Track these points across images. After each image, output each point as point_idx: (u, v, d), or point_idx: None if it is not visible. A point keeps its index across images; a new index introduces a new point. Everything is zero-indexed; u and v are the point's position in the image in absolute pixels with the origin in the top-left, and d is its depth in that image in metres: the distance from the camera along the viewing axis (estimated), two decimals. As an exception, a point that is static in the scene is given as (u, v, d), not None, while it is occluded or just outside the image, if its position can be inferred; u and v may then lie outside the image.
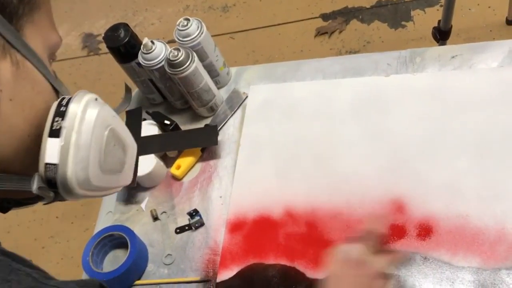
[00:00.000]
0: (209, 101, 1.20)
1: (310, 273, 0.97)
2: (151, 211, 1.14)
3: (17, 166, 0.54)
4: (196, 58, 1.13)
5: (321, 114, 1.16)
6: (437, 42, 1.71)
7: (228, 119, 1.23)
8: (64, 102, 0.54)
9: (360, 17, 2.58)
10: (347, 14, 2.62)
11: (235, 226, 1.07)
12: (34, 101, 0.54)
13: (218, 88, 1.27)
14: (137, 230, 1.11)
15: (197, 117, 1.27)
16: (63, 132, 0.52)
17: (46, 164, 0.52)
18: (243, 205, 1.09)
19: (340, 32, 2.56)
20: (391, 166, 1.04)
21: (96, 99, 0.56)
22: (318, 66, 1.24)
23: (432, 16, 2.01)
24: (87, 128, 0.53)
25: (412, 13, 2.48)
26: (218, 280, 1.01)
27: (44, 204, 0.65)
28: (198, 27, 1.16)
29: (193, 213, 1.10)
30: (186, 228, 1.10)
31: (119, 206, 1.19)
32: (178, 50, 1.11)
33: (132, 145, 0.65)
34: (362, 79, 1.17)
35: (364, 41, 2.47)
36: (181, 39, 1.16)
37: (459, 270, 0.89)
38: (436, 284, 0.89)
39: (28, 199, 0.61)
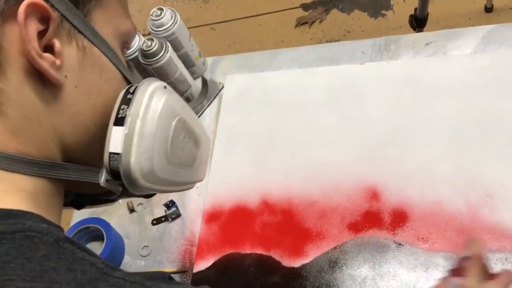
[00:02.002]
0: (185, 91, 1.19)
1: (286, 262, 0.97)
2: (127, 203, 1.14)
3: (85, 157, 0.52)
4: (170, 48, 1.12)
5: (297, 103, 1.16)
6: (414, 30, 1.71)
7: (205, 110, 1.23)
8: (131, 90, 0.51)
9: (340, 6, 2.58)
10: (327, 4, 2.62)
11: (212, 217, 1.06)
12: (102, 89, 0.51)
13: (194, 78, 1.26)
14: (114, 222, 1.11)
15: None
16: (128, 120, 0.49)
17: (110, 153, 0.49)
18: (219, 195, 1.09)
19: (321, 22, 2.55)
20: (366, 153, 1.04)
21: (165, 87, 0.53)
22: (294, 55, 1.24)
23: (412, 4, 2.00)
24: (153, 116, 0.50)
25: (392, 2, 2.49)
26: (195, 270, 1.01)
27: (114, 201, 0.64)
28: (172, 17, 1.15)
29: (170, 204, 1.09)
30: (163, 219, 1.10)
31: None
32: (152, 40, 1.10)
33: (205, 138, 0.62)
34: (337, 67, 1.17)
35: (344, 30, 2.47)
36: (154, 29, 1.15)
37: (433, 255, 0.89)
38: (411, 270, 0.89)
39: (101, 196, 0.59)
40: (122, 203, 1.15)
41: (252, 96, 1.20)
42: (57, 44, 0.46)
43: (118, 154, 0.49)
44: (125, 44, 0.57)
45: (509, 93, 1.00)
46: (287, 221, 1.01)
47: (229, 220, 1.05)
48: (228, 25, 2.79)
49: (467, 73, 1.05)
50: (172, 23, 1.14)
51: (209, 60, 1.31)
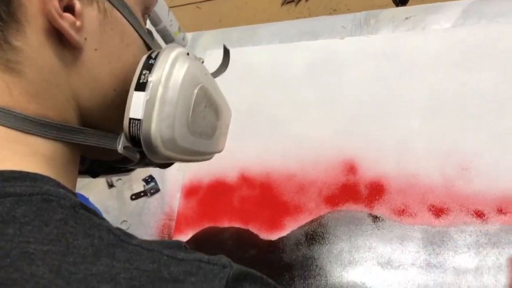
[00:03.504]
0: (164, 66, 1.19)
1: (264, 235, 0.97)
2: (106, 178, 1.13)
3: (103, 122, 0.51)
4: (147, 22, 1.10)
5: (277, 78, 1.15)
6: (397, 6, 1.70)
7: (184, 85, 1.22)
8: (153, 55, 0.50)
9: (327, -16, 2.56)
10: (313, -18, 2.60)
11: (190, 191, 1.06)
12: (122, 53, 0.50)
13: (174, 54, 1.25)
14: (93, 197, 1.10)
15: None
16: (149, 86, 0.48)
17: (130, 119, 0.48)
18: (198, 170, 1.09)
19: (307, 0, 2.54)
20: (344, 127, 1.04)
21: (187, 54, 0.51)
22: (274, 30, 1.23)
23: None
24: (175, 83, 0.49)
25: (378, -20, 2.47)
26: (173, 244, 1.01)
27: (131, 170, 0.62)
28: (150, -9, 1.13)
29: (149, 180, 1.09)
30: (142, 194, 1.10)
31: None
32: (129, 14, 1.09)
33: (226, 110, 0.61)
34: (317, 42, 1.17)
35: (330, 9, 2.45)
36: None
37: (409, 228, 0.90)
38: (387, 242, 0.90)
39: (117, 164, 0.58)
40: (101, 178, 1.14)
41: (232, 71, 1.18)
42: (77, 4, 0.45)
43: (138, 120, 0.48)
44: (147, 10, 0.56)
45: (486, 67, 1.00)
46: (265, 195, 1.02)
47: (208, 194, 1.05)
48: (214, 3, 2.76)
49: (446, 47, 1.05)
50: (151, -4, 1.13)
51: (190, 35, 1.30)
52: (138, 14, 0.53)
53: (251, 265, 0.97)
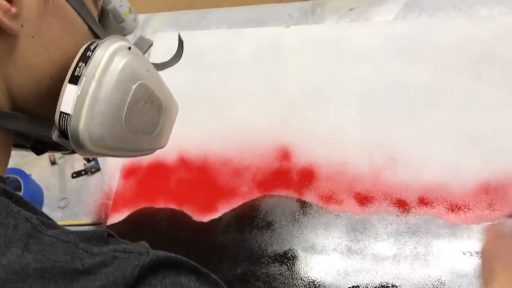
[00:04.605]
0: (112, 47, 1.19)
1: (197, 217, 0.99)
2: (49, 156, 1.14)
3: (39, 109, 0.49)
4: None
5: (222, 63, 1.17)
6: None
7: (132, 66, 1.23)
8: (92, 47, 0.47)
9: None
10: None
11: (130, 172, 1.08)
12: (63, 41, 0.47)
13: (125, 35, 1.25)
14: (35, 174, 1.11)
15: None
16: (82, 80, 0.45)
17: (61, 112, 0.46)
18: (139, 151, 1.10)
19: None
20: (283, 114, 1.06)
21: (129, 48, 0.48)
22: (224, 15, 1.24)
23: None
24: (110, 79, 0.46)
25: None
26: (109, 223, 1.02)
27: (66, 153, 0.60)
28: (99, -29, 1.14)
29: (89, 158, 1.10)
30: (82, 172, 1.11)
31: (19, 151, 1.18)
32: (75, -7, 1.09)
33: (171, 105, 0.57)
34: (263, 29, 1.18)
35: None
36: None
37: (334, 214, 0.92)
38: (312, 228, 0.92)
39: (59, 147, 0.55)
40: (44, 155, 1.15)
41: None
42: None
43: (68, 114, 0.46)
44: None
45: (422, 60, 1.02)
46: (202, 178, 1.03)
47: (146, 176, 1.07)
48: (187, -14, 2.75)
49: (386, 39, 1.07)
50: (99, -24, 1.13)
51: (142, 17, 1.31)
52: (87, 0, 0.50)
53: (183, 246, 0.99)
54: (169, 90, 0.57)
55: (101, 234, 0.44)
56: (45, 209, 1.09)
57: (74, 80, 0.46)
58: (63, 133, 0.47)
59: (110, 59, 0.46)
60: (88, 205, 1.07)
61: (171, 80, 1.15)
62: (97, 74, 0.46)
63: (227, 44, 1.18)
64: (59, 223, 1.05)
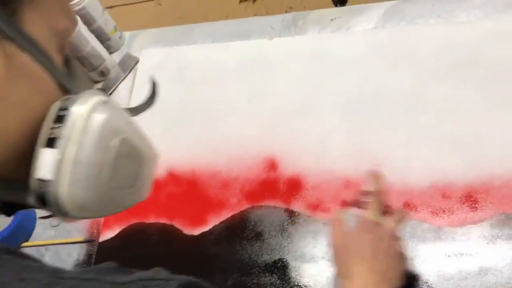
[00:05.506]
0: (99, 65, 1.21)
1: (187, 230, 1.00)
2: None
3: (14, 173, 0.45)
4: (79, 22, 1.13)
5: (209, 77, 1.18)
6: (335, 6, 1.74)
7: (119, 83, 1.24)
8: (66, 105, 0.43)
9: (284, -18, 2.60)
10: (271, -21, 2.64)
11: (120, 188, 1.09)
12: (32, 101, 0.44)
13: (111, 53, 1.27)
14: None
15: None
16: (61, 143, 0.42)
17: (38, 179, 0.42)
18: (128, 167, 1.11)
19: (264, -3, 2.58)
20: (269, 125, 1.07)
21: (105, 102, 0.45)
22: (209, 30, 1.26)
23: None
24: (91, 140, 0.43)
25: (334, -22, 2.50)
26: (101, 240, 1.04)
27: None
28: (83, -9, 1.16)
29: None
30: (73, 191, 1.12)
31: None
32: (60, 14, 1.11)
33: (151, 154, 0.53)
34: (247, 42, 1.20)
35: (287, 6, 2.49)
36: (65, 3, 1.15)
37: (321, 223, 0.93)
38: (301, 237, 0.93)
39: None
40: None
41: (166, 70, 1.23)
42: None
43: (47, 181, 0.42)
44: (63, 43, 0.48)
45: (403, 67, 1.04)
46: (191, 191, 1.05)
47: (136, 191, 1.08)
48: (174, 0, 2.78)
49: (367, 48, 1.09)
50: (83, -3, 1.16)
51: (127, 34, 1.33)
52: (53, 52, 0.46)
53: (175, 260, 1.00)
54: (148, 139, 0.53)
55: (113, 265, 0.43)
56: (38, 228, 1.10)
57: (50, 143, 0.42)
58: (42, 201, 0.43)
59: (88, 117, 0.43)
60: (80, 223, 1.08)
61: (160, 96, 1.17)
62: (76, 135, 0.42)
63: (213, 58, 1.20)
64: (52, 242, 1.06)
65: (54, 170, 0.42)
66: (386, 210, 0.77)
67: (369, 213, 0.75)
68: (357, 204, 0.77)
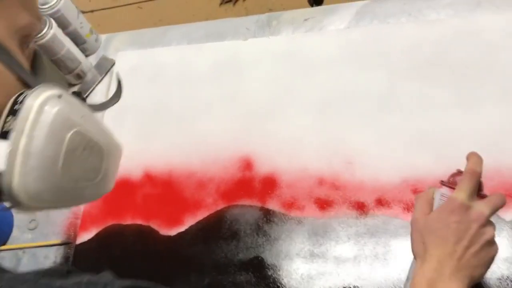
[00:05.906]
0: (75, 68, 1.21)
1: (164, 231, 1.01)
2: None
3: None
4: (54, 25, 1.13)
5: (184, 78, 1.19)
6: (311, 6, 1.76)
7: (96, 86, 1.24)
8: (20, 99, 0.45)
9: (263, -16, 2.61)
10: (250, -18, 2.65)
11: (97, 190, 1.09)
12: None
13: (87, 55, 1.27)
14: (3, 198, 1.12)
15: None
16: (12, 136, 0.43)
17: None
18: (105, 169, 1.11)
19: (244, 0, 2.58)
20: (244, 125, 1.08)
21: (59, 96, 0.47)
22: (184, 31, 1.27)
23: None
24: (41, 132, 0.45)
25: (314, -21, 2.52)
26: (78, 242, 1.04)
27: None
28: (57, -5, 1.16)
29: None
30: (50, 194, 1.12)
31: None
32: (34, 17, 1.11)
33: (113, 148, 0.56)
34: (221, 43, 1.21)
35: (267, 8, 2.50)
36: (39, 7, 1.15)
37: (296, 221, 0.94)
38: (276, 235, 0.94)
39: None
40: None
41: (141, 72, 1.23)
42: None
43: (0, 172, 0.44)
44: (26, 38, 0.50)
45: (375, 66, 1.05)
46: (167, 192, 1.05)
47: (113, 193, 1.05)
48: (155, 3, 2.78)
49: (340, 47, 1.10)
50: (57, 0, 1.16)
51: (103, 36, 1.33)
52: (13, 46, 0.48)
53: (151, 261, 1.00)
54: (109, 133, 0.55)
55: (61, 270, 0.44)
56: (15, 231, 1.10)
57: (3, 135, 0.44)
58: None
59: (39, 111, 0.45)
60: (57, 226, 1.08)
61: (135, 98, 1.18)
62: (26, 128, 0.44)
63: (188, 59, 1.21)
64: (29, 245, 1.06)
65: (6, 161, 0.43)
66: (481, 195, 0.70)
67: (461, 194, 0.67)
68: (450, 183, 0.71)
